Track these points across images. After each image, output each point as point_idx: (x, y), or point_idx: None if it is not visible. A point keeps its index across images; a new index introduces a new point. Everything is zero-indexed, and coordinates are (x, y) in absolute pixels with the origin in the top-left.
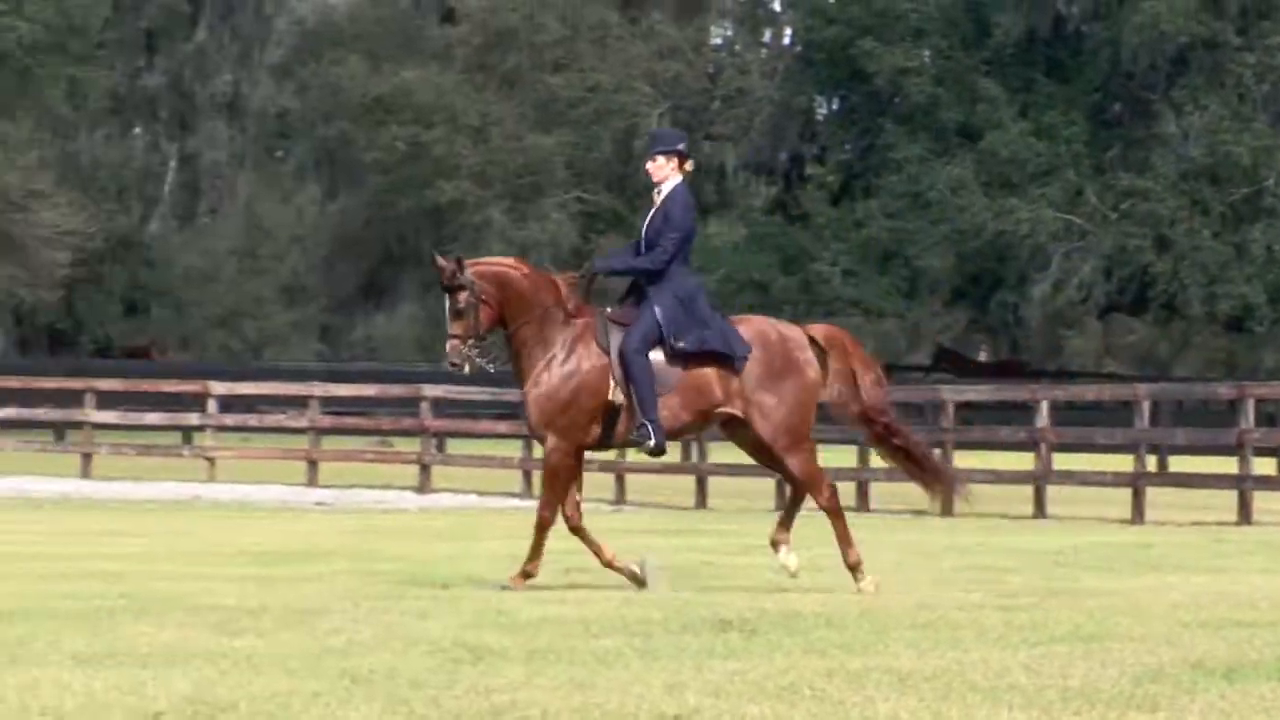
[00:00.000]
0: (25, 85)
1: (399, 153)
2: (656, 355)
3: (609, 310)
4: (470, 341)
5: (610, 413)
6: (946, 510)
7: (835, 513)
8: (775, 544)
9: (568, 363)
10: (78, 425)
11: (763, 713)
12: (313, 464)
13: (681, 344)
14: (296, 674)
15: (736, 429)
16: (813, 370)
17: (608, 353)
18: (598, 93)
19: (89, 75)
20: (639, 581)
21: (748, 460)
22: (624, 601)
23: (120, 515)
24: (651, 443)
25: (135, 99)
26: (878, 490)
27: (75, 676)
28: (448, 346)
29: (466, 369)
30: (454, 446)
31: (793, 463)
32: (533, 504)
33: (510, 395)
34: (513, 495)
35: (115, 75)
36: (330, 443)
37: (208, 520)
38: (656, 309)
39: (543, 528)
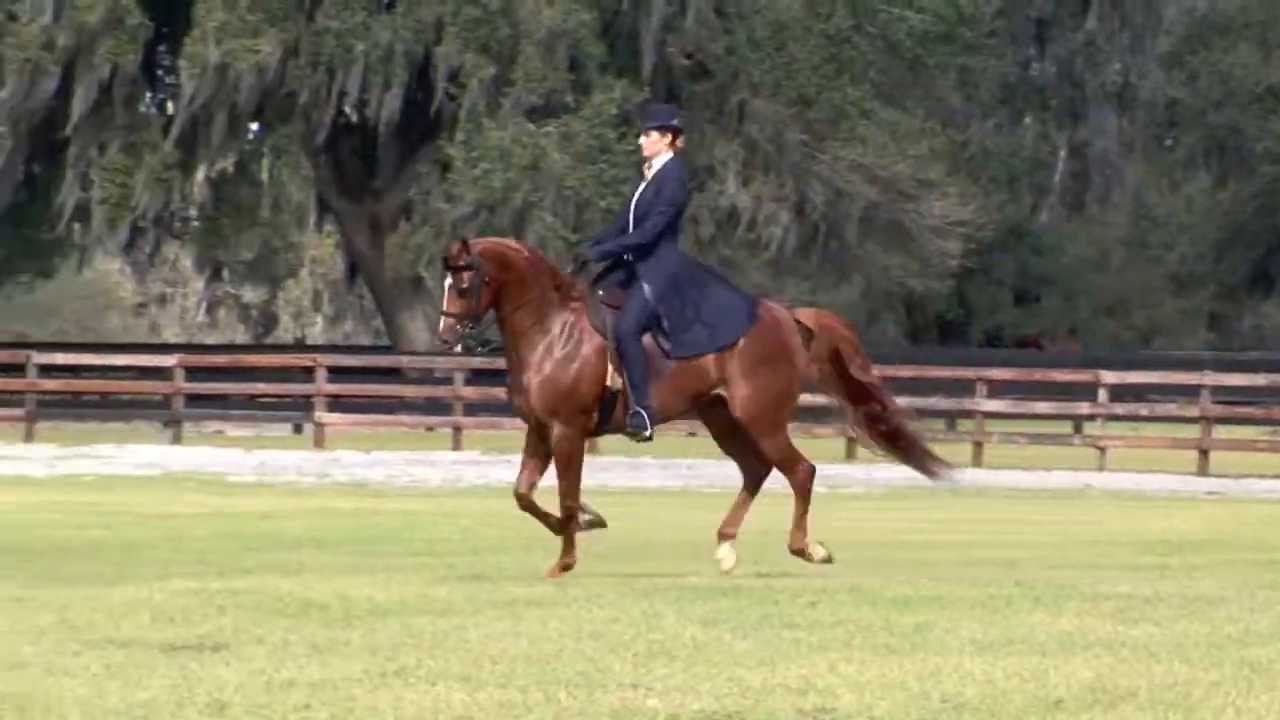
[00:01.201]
0: (916, 75)
1: None
2: (648, 339)
3: (600, 292)
4: (466, 322)
5: (608, 398)
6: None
7: (803, 494)
8: (722, 537)
9: (567, 348)
10: (969, 414)
11: None
12: (1204, 453)
13: (677, 350)
14: (1195, 662)
15: (709, 409)
16: (800, 358)
17: (605, 336)
18: None
19: (979, 65)
20: (599, 523)
21: None
22: None
23: (1013, 504)
24: (647, 432)
25: (1025, 88)
26: None
27: (975, 664)
28: (442, 325)
29: (458, 349)
30: None
31: (768, 445)
32: None
33: None
34: None
35: (1005, 64)
36: (1222, 432)
37: (1100, 509)
38: (646, 288)
39: (571, 518)
